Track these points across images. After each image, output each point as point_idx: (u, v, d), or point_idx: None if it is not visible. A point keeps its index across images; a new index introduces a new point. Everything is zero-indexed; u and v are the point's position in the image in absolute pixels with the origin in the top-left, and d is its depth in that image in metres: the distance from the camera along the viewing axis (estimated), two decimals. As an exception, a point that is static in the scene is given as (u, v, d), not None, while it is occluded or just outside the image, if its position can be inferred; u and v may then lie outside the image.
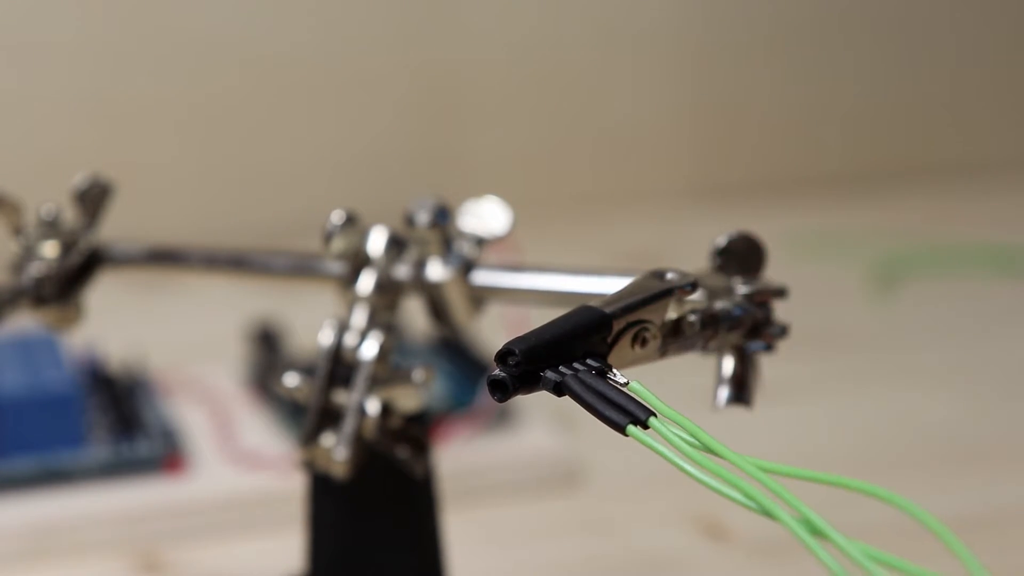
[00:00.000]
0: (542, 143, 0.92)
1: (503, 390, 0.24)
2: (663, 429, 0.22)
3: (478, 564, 0.50)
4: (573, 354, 0.24)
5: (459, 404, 0.57)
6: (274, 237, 0.78)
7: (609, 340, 0.25)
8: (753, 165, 0.96)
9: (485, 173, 0.90)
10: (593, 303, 0.25)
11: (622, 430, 0.22)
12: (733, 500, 0.21)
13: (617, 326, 0.25)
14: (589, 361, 0.24)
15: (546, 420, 0.58)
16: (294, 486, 0.44)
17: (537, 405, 0.58)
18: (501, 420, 0.57)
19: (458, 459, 0.55)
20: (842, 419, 0.62)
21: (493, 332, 0.51)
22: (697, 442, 0.22)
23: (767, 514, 0.21)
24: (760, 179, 0.95)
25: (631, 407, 0.22)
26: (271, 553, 0.51)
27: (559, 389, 0.24)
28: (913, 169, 0.97)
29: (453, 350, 0.62)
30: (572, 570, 0.51)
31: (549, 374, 0.24)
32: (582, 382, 0.23)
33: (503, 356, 0.24)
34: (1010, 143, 1.00)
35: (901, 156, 0.98)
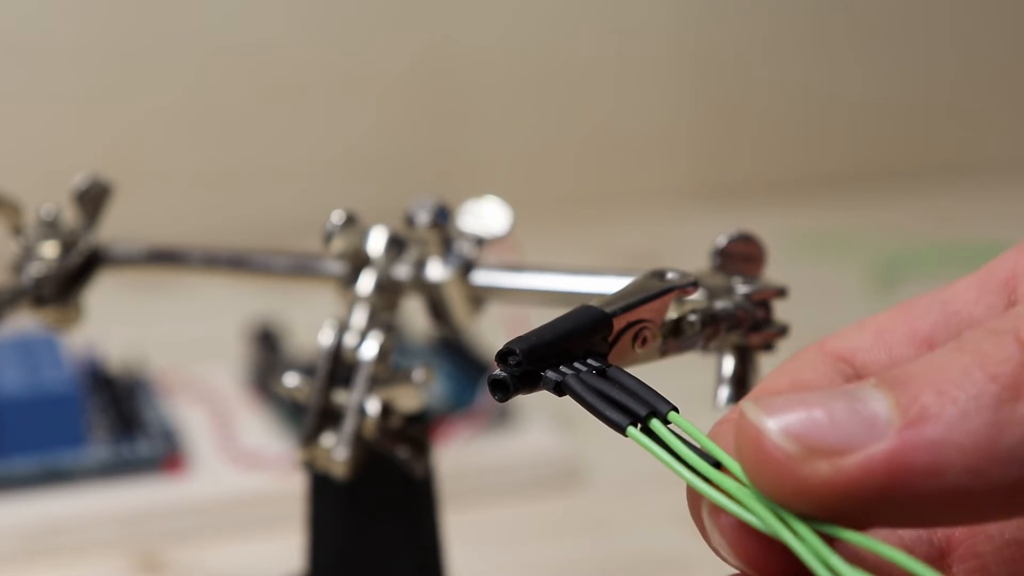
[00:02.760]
0: (542, 143, 0.92)
1: (504, 390, 0.24)
2: (663, 431, 0.22)
3: (478, 564, 0.50)
4: (574, 354, 0.24)
5: (459, 404, 0.57)
6: (274, 237, 0.78)
7: (610, 339, 0.25)
8: (753, 165, 0.96)
9: (485, 173, 0.90)
10: (593, 303, 0.25)
11: (622, 430, 0.22)
12: (729, 510, 0.21)
13: (617, 325, 0.25)
14: (590, 361, 0.24)
15: (546, 420, 0.58)
16: (294, 486, 0.44)
17: (537, 405, 0.58)
18: (501, 420, 0.57)
19: (458, 459, 0.55)
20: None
21: (493, 332, 0.51)
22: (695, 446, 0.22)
23: (768, 529, 0.21)
24: (760, 179, 0.95)
25: (632, 406, 0.22)
26: (271, 553, 0.51)
27: (560, 389, 0.23)
28: (913, 169, 0.97)
29: (453, 350, 0.62)
30: (572, 570, 0.51)
31: (550, 374, 0.24)
32: (583, 382, 0.23)
33: (504, 356, 0.24)
34: (1010, 143, 1.00)
35: (901, 156, 0.98)
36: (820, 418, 0.20)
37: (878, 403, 0.20)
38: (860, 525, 0.20)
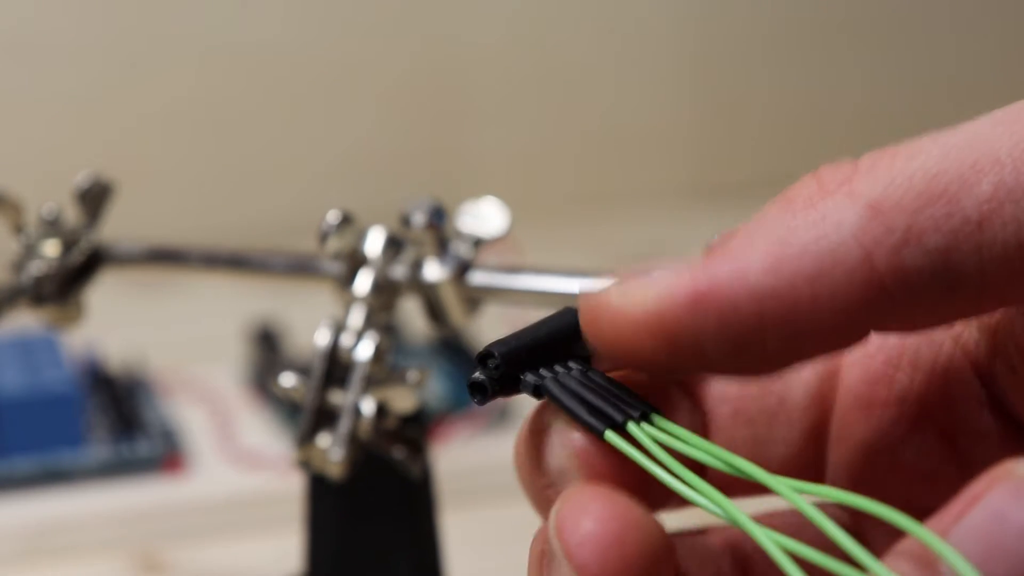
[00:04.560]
0: (542, 142, 0.92)
1: (482, 393, 0.24)
2: (642, 435, 0.22)
3: (478, 564, 0.50)
4: (555, 356, 0.24)
5: (459, 404, 0.58)
6: (274, 236, 0.78)
7: None
8: (753, 165, 0.96)
9: (485, 173, 0.90)
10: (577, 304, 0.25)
11: (600, 435, 0.22)
12: (709, 512, 0.21)
13: None
14: (572, 364, 0.24)
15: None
16: (294, 486, 0.44)
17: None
18: (501, 420, 0.58)
19: (458, 459, 0.55)
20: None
21: (493, 332, 0.51)
22: (692, 445, 0.22)
23: (746, 530, 0.21)
24: (760, 179, 0.95)
25: (610, 411, 0.22)
26: (271, 553, 0.51)
27: (538, 392, 0.23)
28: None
29: (453, 350, 0.62)
30: (571, 570, 0.51)
31: (529, 377, 0.23)
32: (561, 385, 0.23)
33: (483, 358, 0.24)
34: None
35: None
36: (641, 274, 0.22)
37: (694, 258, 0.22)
38: (703, 349, 0.21)
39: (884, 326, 0.21)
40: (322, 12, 0.86)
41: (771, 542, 0.20)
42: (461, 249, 0.36)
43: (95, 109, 0.84)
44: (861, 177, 0.21)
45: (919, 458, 0.24)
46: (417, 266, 0.36)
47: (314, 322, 0.38)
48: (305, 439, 0.36)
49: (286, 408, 0.57)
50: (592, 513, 0.20)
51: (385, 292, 0.37)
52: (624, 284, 0.22)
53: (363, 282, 0.36)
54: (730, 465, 0.21)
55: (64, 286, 0.40)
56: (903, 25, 0.97)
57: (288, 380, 0.36)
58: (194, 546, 0.52)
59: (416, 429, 0.37)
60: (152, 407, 0.57)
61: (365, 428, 0.35)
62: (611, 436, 0.22)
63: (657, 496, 0.22)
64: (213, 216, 0.85)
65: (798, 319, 0.21)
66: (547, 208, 0.88)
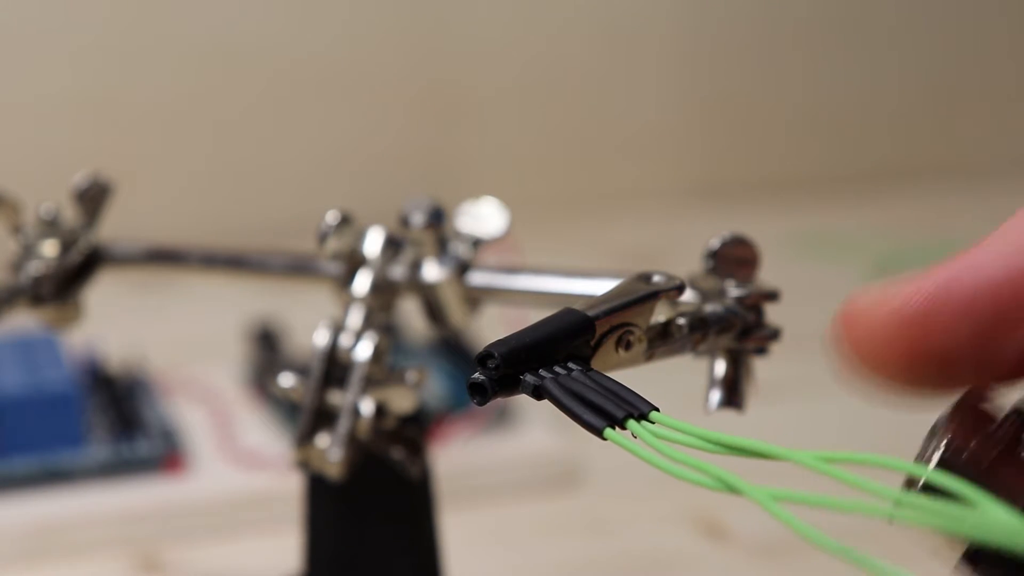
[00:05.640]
0: (543, 142, 0.92)
1: (482, 393, 0.24)
2: (642, 431, 0.22)
3: (478, 564, 0.50)
4: (555, 357, 0.24)
5: (459, 404, 0.57)
6: (274, 237, 0.78)
7: (592, 343, 0.25)
8: (753, 165, 0.96)
9: (485, 172, 0.90)
10: (577, 305, 0.25)
11: (599, 433, 0.22)
12: (717, 489, 0.21)
13: (600, 329, 0.25)
14: (571, 364, 0.24)
15: (546, 420, 0.58)
16: (294, 486, 0.44)
17: (537, 405, 0.58)
18: (501, 420, 0.57)
19: (458, 459, 0.55)
20: (842, 419, 0.62)
21: (493, 332, 0.51)
22: (703, 441, 0.22)
23: (764, 508, 0.21)
24: (760, 179, 0.95)
25: (610, 409, 0.22)
26: (271, 553, 0.51)
27: (538, 392, 0.23)
28: (913, 169, 0.97)
29: (453, 350, 0.62)
30: (572, 570, 0.51)
31: (528, 377, 0.23)
32: (561, 385, 0.23)
33: (483, 359, 0.24)
34: (1010, 144, 1.00)
35: (901, 156, 0.98)
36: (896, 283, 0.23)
37: None
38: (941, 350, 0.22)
39: None
40: (322, 12, 0.86)
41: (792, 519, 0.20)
42: (460, 249, 0.36)
43: (94, 109, 0.84)
44: None
45: None
46: (416, 266, 0.36)
47: (314, 322, 0.38)
48: (304, 439, 0.36)
49: (286, 408, 0.57)
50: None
51: (384, 292, 0.37)
52: (872, 291, 0.23)
53: (362, 282, 0.36)
54: (735, 450, 0.21)
55: (62, 286, 0.40)
56: (904, 26, 0.97)
57: (287, 380, 0.36)
58: (194, 546, 0.52)
59: (415, 429, 0.37)
60: (152, 407, 0.57)
61: (364, 428, 0.35)
62: (611, 434, 0.22)
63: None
64: (212, 216, 0.86)
65: None
66: (547, 208, 0.88)
